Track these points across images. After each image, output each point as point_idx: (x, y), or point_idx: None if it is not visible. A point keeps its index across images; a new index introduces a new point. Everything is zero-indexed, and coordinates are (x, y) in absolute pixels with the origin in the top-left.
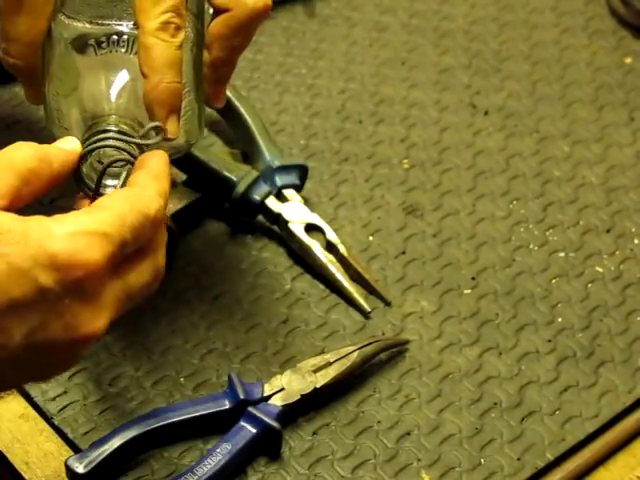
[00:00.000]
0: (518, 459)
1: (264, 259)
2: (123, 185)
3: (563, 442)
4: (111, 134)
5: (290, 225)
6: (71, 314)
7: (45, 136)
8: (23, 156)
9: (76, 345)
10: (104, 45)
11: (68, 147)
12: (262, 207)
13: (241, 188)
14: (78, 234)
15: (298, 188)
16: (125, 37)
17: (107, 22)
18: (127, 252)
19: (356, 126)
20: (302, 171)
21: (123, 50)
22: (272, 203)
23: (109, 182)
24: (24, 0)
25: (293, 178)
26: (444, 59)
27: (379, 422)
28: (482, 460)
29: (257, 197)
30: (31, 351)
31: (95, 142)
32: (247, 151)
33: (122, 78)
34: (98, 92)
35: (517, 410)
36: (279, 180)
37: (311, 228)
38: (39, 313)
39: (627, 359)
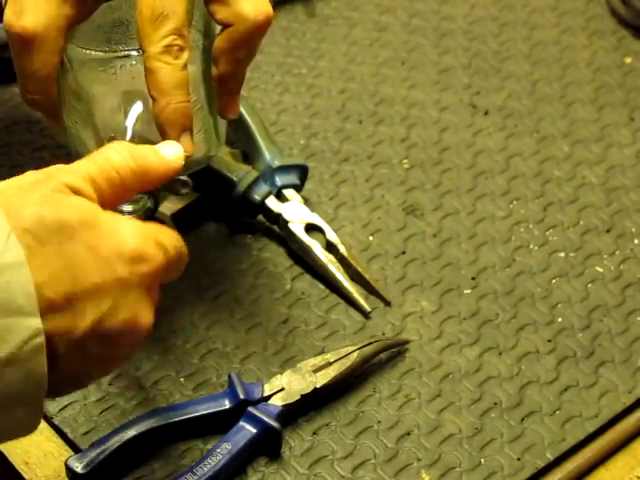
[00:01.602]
0: (518, 459)
1: (264, 259)
2: (142, 212)
3: (563, 442)
4: None
5: (290, 225)
6: (135, 305)
7: (44, 136)
8: (119, 160)
9: (133, 336)
10: (114, 71)
11: (169, 157)
12: (262, 207)
13: (241, 188)
14: (148, 237)
15: (298, 188)
16: (133, 62)
17: (115, 48)
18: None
19: (356, 126)
20: (302, 171)
21: (134, 76)
22: (272, 203)
23: (125, 207)
24: (34, 40)
25: (293, 178)
26: (444, 59)
27: (379, 422)
28: (482, 460)
29: (257, 197)
30: (94, 339)
31: None
32: (247, 151)
33: (135, 103)
34: (111, 119)
35: (517, 410)
36: (279, 180)
37: (311, 228)
38: (112, 299)
39: (627, 359)
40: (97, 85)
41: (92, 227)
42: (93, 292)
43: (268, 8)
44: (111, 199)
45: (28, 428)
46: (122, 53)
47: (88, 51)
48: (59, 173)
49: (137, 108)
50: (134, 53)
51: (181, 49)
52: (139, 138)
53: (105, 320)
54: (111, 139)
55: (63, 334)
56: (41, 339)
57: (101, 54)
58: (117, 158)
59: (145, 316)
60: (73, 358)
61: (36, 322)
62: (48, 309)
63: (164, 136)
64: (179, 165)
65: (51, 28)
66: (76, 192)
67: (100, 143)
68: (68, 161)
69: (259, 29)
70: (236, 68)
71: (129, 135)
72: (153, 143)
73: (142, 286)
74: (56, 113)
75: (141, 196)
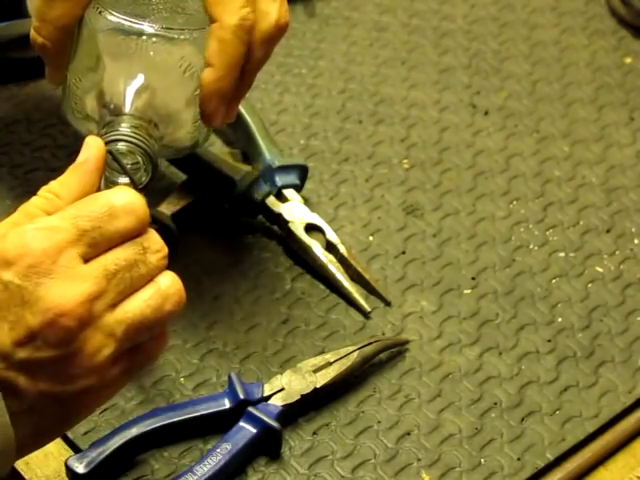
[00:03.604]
0: (518, 459)
1: (264, 259)
2: (134, 183)
3: (563, 442)
4: (130, 131)
5: (290, 225)
6: (37, 296)
7: (44, 136)
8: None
9: (55, 327)
10: (132, 44)
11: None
12: (262, 207)
13: (241, 188)
14: (26, 230)
15: (298, 188)
16: (154, 39)
17: (138, 20)
18: (95, 238)
19: (356, 126)
20: (302, 171)
21: (151, 52)
22: (272, 203)
23: (121, 180)
24: None
25: (293, 178)
26: (444, 59)
27: (379, 422)
28: (482, 460)
29: (257, 197)
30: (20, 353)
31: (114, 137)
32: (247, 151)
33: (144, 79)
34: (119, 89)
35: (517, 410)
36: (279, 180)
37: (311, 228)
38: (11, 309)
39: (627, 359)
40: (114, 52)
41: None
42: None
43: (288, 15)
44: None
45: None
46: (143, 26)
47: (111, 17)
48: None
49: (145, 85)
50: (151, 29)
51: (252, 25)
52: (142, 115)
53: (16, 329)
54: (109, 106)
55: None
56: None
57: (122, 22)
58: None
59: (58, 295)
60: (24, 377)
61: None
62: None
63: (206, 106)
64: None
65: None
66: None
67: (101, 109)
68: (69, 161)
69: (279, 31)
70: (250, 69)
71: (127, 108)
72: (154, 122)
73: (37, 273)
74: (61, 64)
75: (137, 167)
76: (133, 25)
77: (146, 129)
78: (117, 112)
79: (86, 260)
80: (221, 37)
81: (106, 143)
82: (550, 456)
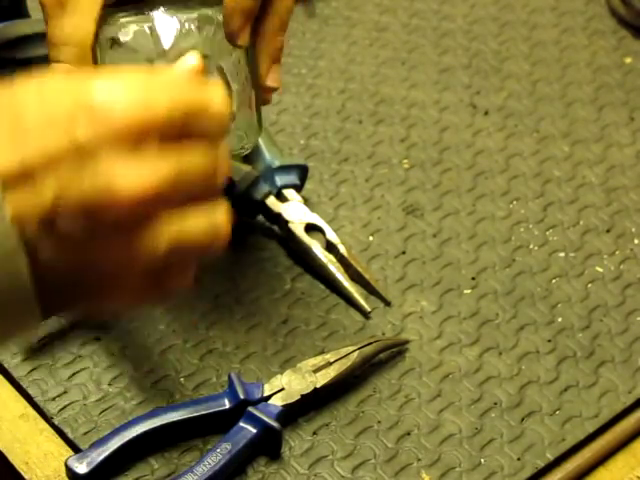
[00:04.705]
0: (518, 459)
1: (264, 259)
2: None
3: (563, 442)
4: None
5: (290, 225)
6: (103, 169)
7: None
8: None
9: (109, 212)
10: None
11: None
12: (262, 207)
13: (241, 188)
14: (122, 91)
15: (298, 188)
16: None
17: (147, 11)
18: (174, 126)
19: (356, 126)
20: (302, 171)
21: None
22: (272, 203)
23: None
24: (67, 0)
25: (293, 178)
26: (444, 59)
27: (379, 422)
28: (482, 460)
29: (257, 197)
30: (66, 217)
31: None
32: None
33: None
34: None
35: (517, 410)
36: (279, 180)
37: (311, 228)
38: (71, 167)
39: (627, 359)
40: (135, 46)
41: (42, 82)
42: (47, 161)
43: None
44: None
45: (27, 328)
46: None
47: (123, 19)
48: None
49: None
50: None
51: None
52: None
53: (69, 190)
54: None
55: (28, 209)
56: (5, 213)
57: (137, 17)
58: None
59: (125, 178)
60: (50, 245)
61: None
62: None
63: (230, 22)
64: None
65: None
66: None
67: None
68: None
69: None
70: (278, 28)
71: None
72: None
73: (117, 145)
74: None
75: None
76: (145, 15)
77: None
78: None
79: (162, 151)
80: None
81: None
82: (550, 456)
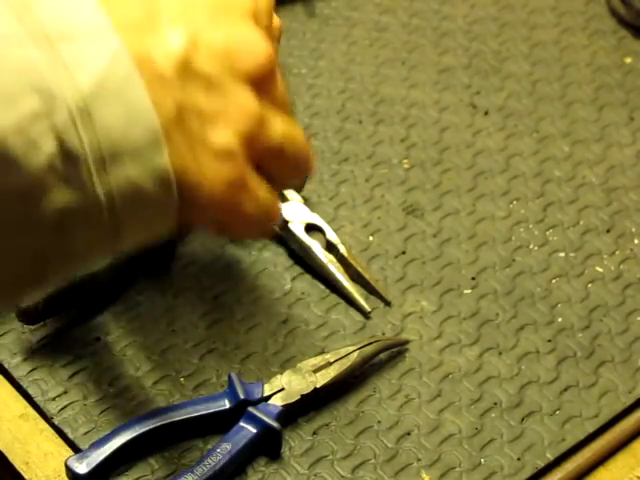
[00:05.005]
0: (518, 459)
1: (264, 259)
2: None
3: (563, 442)
4: None
5: (290, 225)
6: (243, 23)
7: None
8: None
9: (253, 57)
10: None
11: None
12: None
13: None
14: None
15: (298, 188)
16: None
17: None
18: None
19: (356, 126)
20: None
21: None
22: None
23: None
24: None
25: None
26: (444, 59)
27: (379, 422)
28: (482, 460)
29: None
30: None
31: None
32: None
33: None
34: None
35: (517, 410)
36: None
37: (311, 228)
38: (208, 16)
39: (627, 359)
40: None
41: None
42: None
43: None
44: None
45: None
46: None
47: None
48: None
49: None
50: None
51: None
52: None
53: (208, 32)
54: None
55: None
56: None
57: None
58: None
59: (262, 40)
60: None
61: (113, 38)
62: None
63: None
64: None
65: None
66: None
67: None
68: None
69: None
70: None
71: None
72: None
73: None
74: None
75: None
76: None
77: None
78: None
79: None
80: None
81: None
82: (550, 456)
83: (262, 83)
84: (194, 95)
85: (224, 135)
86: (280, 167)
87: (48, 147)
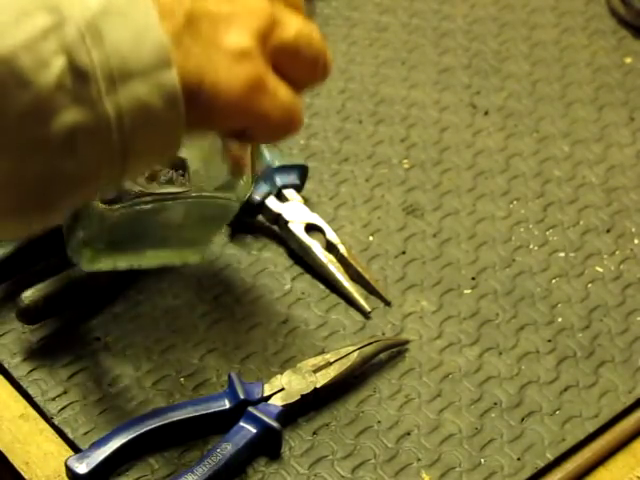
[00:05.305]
0: (518, 459)
1: (264, 259)
2: None
3: (563, 442)
4: None
5: (290, 225)
6: None
7: None
8: None
9: None
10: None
11: None
12: (262, 207)
13: None
14: None
15: (298, 188)
16: None
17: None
18: None
19: (356, 126)
20: (302, 171)
21: None
22: (272, 203)
23: None
24: None
25: (293, 178)
26: (444, 59)
27: (379, 422)
28: (482, 460)
29: (257, 197)
30: None
31: None
32: None
33: None
34: None
35: (517, 410)
36: (279, 180)
37: (311, 228)
38: None
39: (627, 359)
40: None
41: None
42: None
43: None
44: None
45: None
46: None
47: None
48: None
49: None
50: None
51: None
52: None
53: None
54: None
55: None
56: None
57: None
58: None
59: None
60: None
61: None
62: None
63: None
64: None
65: None
66: None
67: None
68: None
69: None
70: None
71: None
72: None
73: None
74: None
75: None
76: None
77: None
78: None
79: None
80: None
81: None
82: (550, 456)
83: None
84: (204, 0)
85: (238, 35)
86: (297, 66)
87: (58, 65)
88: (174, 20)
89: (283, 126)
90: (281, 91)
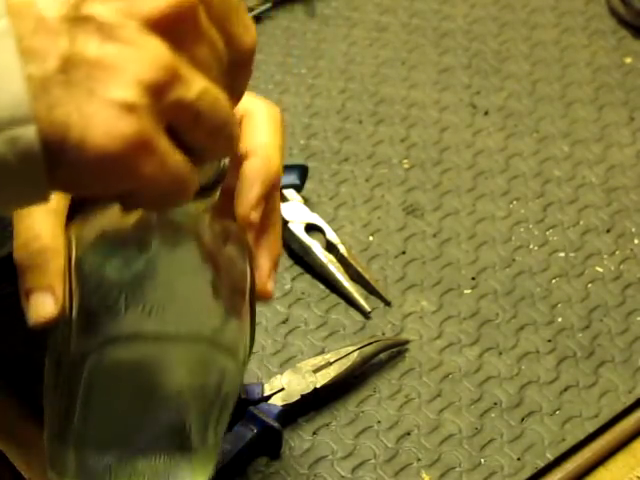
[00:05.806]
0: (518, 459)
1: None
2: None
3: (563, 442)
4: None
5: (290, 225)
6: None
7: None
8: None
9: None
10: None
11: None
12: None
13: None
14: None
15: (298, 188)
16: None
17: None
18: None
19: (356, 126)
20: (302, 171)
21: None
22: None
23: None
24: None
25: (293, 178)
26: (444, 59)
27: (379, 422)
28: (482, 460)
29: None
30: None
31: None
32: None
33: None
34: None
35: (517, 410)
36: None
37: (311, 228)
38: None
39: (627, 359)
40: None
41: None
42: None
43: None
44: None
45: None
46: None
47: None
48: None
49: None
50: None
51: None
52: None
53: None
54: None
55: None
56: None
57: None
58: None
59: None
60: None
61: None
62: None
63: None
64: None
65: None
66: None
67: None
68: None
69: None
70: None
71: None
72: None
73: None
74: None
75: None
76: None
77: None
78: None
79: None
80: None
81: None
82: (550, 456)
83: (174, 33)
84: (85, 43)
85: (122, 87)
86: (197, 132)
87: None
88: (45, 64)
89: (172, 194)
90: (170, 156)
